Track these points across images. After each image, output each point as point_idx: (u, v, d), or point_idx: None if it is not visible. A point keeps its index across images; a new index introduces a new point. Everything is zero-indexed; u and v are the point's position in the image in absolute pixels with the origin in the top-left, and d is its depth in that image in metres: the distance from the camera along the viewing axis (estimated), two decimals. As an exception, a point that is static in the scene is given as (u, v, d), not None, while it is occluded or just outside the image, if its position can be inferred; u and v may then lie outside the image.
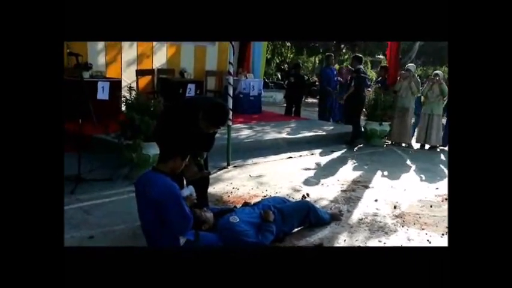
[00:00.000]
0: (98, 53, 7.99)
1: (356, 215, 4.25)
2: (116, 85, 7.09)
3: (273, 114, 10.36)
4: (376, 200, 4.73)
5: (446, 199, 4.79)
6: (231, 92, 5.93)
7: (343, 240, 3.65)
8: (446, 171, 6.26)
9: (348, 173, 5.94)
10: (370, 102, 8.00)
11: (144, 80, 8.67)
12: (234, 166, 5.87)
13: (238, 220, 3.27)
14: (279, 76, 20.47)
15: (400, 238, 3.76)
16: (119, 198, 4.36)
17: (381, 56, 22.88)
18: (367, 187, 5.25)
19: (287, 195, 4.64)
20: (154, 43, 8.77)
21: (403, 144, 8.24)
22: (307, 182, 5.34)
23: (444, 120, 8.36)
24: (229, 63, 6.10)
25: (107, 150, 5.37)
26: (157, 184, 2.90)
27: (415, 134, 8.46)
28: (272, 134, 7.65)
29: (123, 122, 4.90)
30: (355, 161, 6.68)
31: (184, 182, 3.52)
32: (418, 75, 8.74)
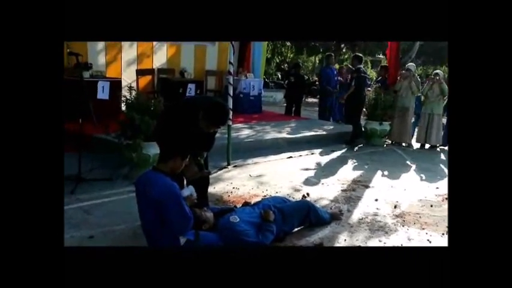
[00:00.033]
0: (98, 52, 7.99)
1: (356, 215, 4.25)
2: (116, 85, 7.09)
3: (273, 114, 10.36)
4: (376, 200, 4.73)
5: (446, 199, 4.79)
6: (231, 91, 5.93)
7: (343, 240, 3.65)
8: (446, 170, 6.25)
9: (348, 172, 5.94)
10: (370, 101, 8.00)
11: (144, 80, 8.67)
12: (234, 166, 5.87)
13: (238, 220, 3.27)
14: (279, 76, 20.50)
15: (401, 238, 3.76)
16: (119, 198, 4.36)
17: (381, 56, 22.88)
18: (367, 187, 5.25)
19: (287, 194, 4.64)
20: (154, 43, 8.77)
21: (403, 144, 8.24)
22: (307, 182, 5.34)
23: (444, 120, 8.36)
24: (230, 63, 6.10)
25: (107, 150, 5.37)
26: (157, 184, 2.90)
27: (415, 133, 8.46)
28: (272, 134, 7.65)
29: (123, 121, 4.90)
30: (355, 161, 6.68)
31: (185, 182, 3.52)
32: (418, 75, 8.74)
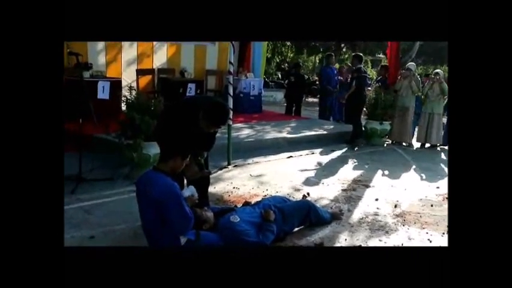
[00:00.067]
0: (98, 52, 7.99)
1: (357, 214, 4.25)
2: (116, 85, 7.09)
3: (274, 114, 10.36)
4: (376, 199, 4.73)
5: (447, 198, 4.78)
6: (231, 91, 5.92)
7: (343, 240, 3.65)
8: (446, 170, 6.25)
9: (348, 172, 5.94)
10: (370, 101, 8.00)
11: (145, 80, 8.67)
12: (235, 165, 5.87)
13: (238, 219, 3.27)
14: (279, 75, 20.49)
15: (401, 237, 3.76)
16: (119, 197, 4.36)
17: (381, 55, 22.88)
18: (367, 186, 5.25)
19: (287, 194, 4.64)
20: (154, 43, 8.77)
21: (404, 144, 8.24)
22: (307, 181, 5.34)
23: (445, 119, 8.35)
24: (230, 62, 6.10)
25: (108, 149, 5.38)
26: (158, 184, 2.90)
27: (416, 133, 8.46)
28: (272, 134, 7.65)
29: (123, 121, 4.91)
30: (355, 160, 6.68)
31: (185, 182, 3.52)
32: (418, 74, 8.74)
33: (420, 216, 4.29)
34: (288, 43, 22.01)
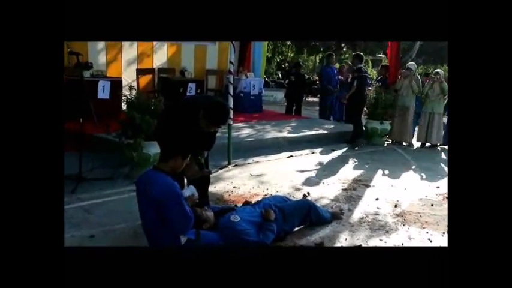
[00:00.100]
0: (98, 52, 8.00)
1: (357, 214, 4.25)
2: (116, 84, 7.10)
3: (274, 113, 10.36)
4: (377, 199, 4.73)
5: (447, 198, 4.78)
6: (231, 91, 5.93)
7: (344, 239, 3.65)
8: (447, 169, 6.25)
9: (348, 171, 5.94)
10: (370, 101, 7.99)
11: (145, 79, 8.67)
12: (235, 165, 5.87)
13: (239, 219, 3.27)
14: (280, 75, 20.48)
15: (401, 237, 3.76)
16: (119, 197, 4.36)
17: (382, 55, 22.86)
18: (368, 186, 5.24)
19: (288, 194, 4.64)
20: (154, 42, 8.77)
21: (404, 143, 8.24)
22: (307, 181, 5.34)
23: (445, 119, 8.35)
24: (230, 62, 6.10)
25: (108, 149, 5.38)
26: (158, 183, 2.90)
27: (416, 132, 8.45)
28: (273, 133, 7.65)
29: (123, 121, 4.91)
30: (355, 160, 6.68)
31: (185, 182, 3.52)
32: (418, 74, 8.73)
33: (420, 216, 4.28)
34: (288, 43, 22.02)
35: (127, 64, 8.50)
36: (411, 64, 8.50)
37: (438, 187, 5.36)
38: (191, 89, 8.14)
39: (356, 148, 7.55)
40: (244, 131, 7.61)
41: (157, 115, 4.32)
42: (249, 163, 6.06)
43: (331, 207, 4.36)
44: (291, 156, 6.66)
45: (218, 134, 3.79)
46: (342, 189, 5.04)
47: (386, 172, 6.02)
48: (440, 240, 3.71)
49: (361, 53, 8.64)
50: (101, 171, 4.96)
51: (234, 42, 6.05)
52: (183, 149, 3.08)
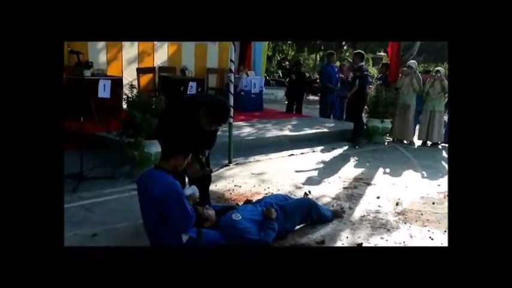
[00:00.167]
0: (98, 51, 8.00)
1: (358, 212, 4.25)
2: (117, 83, 7.10)
3: (275, 112, 10.35)
4: (378, 197, 4.73)
5: (448, 196, 4.78)
6: (232, 89, 5.93)
7: (345, 238, 3.64)
8: (447, 168, 6.24)
9: (349, 170, 5.94)
10: (371, 99, 7.98)
11: (145, 78, 8.67)
12: (236, 164, 5.87)
13: (240, 217, 3.27)
14: (280, 74, 20.44)
15: (402, 235, 3.76)
16: (120, 196, 4.37)
17: (382, 53, 22.82)
18: (369, 184, 5.24)
19: (289, 192, 4.64)
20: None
21: (405, 141, 8.23)
22: (308, 180, 5.34)
23: (446, 117, 8.33)
24: (231, 60, 6.09)
25: (109, 148, 5.38)
26: (159, 182, 2.90)
27: (417, 131, 8.45)
28: (273, 132, 7.65)
29: (124, 120, 4.91)
30: (356, 158, 6.67)
31: (186, 181, 3.52)
32: (419, 72, 8.72)
33: (421, 214, 4.28)
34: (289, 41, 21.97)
35: (127, 63, 8.50)
36: (412, 62, 8.49)
37: (439, 185, 5.35)
38: (192, 88, 8.13)
39: (357, 147, 7.54)
40: (245, 130, 7.61)
41: (158, 114, 4.32)
42: (250, 162, 6.06)
43: (332, 206, 4.36)
44: (292, 154, 6.66)
45: (219, 133, 3.79)
46: (343, 188, 5.04)
47: (388, 170, 6.02)
48: (442, 238, 3.71)
49: (362, 51, 8.61)
50: (102, 170, 4.96)
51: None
52: (184, 148, 3.08)
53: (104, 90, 6.35)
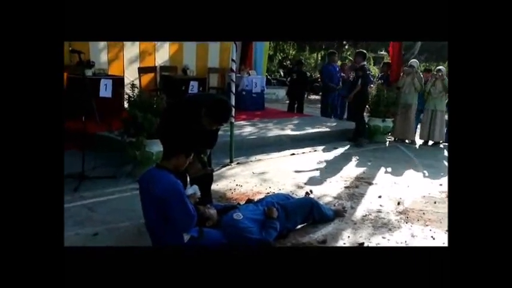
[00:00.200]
0: (100, 50, 7.99)
1: (360, 212, 4.25)
2: (118, 82, 7.10)
3: (276, 111, 10.34)
4: (379, 197, 4.72)
5: (449, 195, 4.78)
6: (233, 89, 5.93)
7: (346, 237, 3.64)
8: (449, 167, 6.23)
9: (351, 169, 5.94)
10: (373, 98, 7.97)
11: (147, 78, 8.67)
12: (237, 163, 5.87)
13: (241, 217, 3.27)
14: (282, 73, 20.43)
15: (404, 234, 3.76)
16: (122, 195, 4.37)
17: (384, 52, 22.80)
18: (370, 183, 5.24)
19: (290, 192, 4.64)
20: (155, 41, 8.78)
21: (407, 141, 8.22)
22: (310, 179, 5.33)
23: (447, 116, 8.32)
24: (232, 60, 6.09)
25: (110, 147, 5.39)
26: (161, 181, 2.91)
27: (418, 130, 8.43)
28: (275, 131, 7.64)
29: (126, 119, 4.91)
30: (358, 158, 6.67)
31: (188, 180, 3.52)
32: (421, 71, 8.70)
33: (423, 214, 4.28)
34: (290, 40, 21.96)
35: (129, 62, 8.50)
36: (413, 61, 8.47)
37: (441, 184, 5.35)
38: (193, 87, 8.14)
39: (358, 147, 7.52)
40: (246, 129, 7.60)
41: (160, 113, 4.32)
42: (251, 161, 6.06)
43: (334, 205, 4.36)
44: (293, 154, 6.65)
45: (220, 132, 3.79)
46: (345, 187, 5.04)
47: (389, 170, 6.01)
48: (443, 237, 3.70)
49: (364, 51, 8.60)
50: (104, 170, 4.97)
51: (235, 40, 6.04)
52: (186, 147, 3.08)
53: (105, 90, 6.37)
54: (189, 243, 2.96)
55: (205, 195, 3.62)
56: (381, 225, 3.94)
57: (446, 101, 7.95)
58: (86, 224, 3.61)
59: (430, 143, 8.12)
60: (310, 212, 3.76)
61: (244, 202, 3.94)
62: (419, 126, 8.42)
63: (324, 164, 6.19)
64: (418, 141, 8.26)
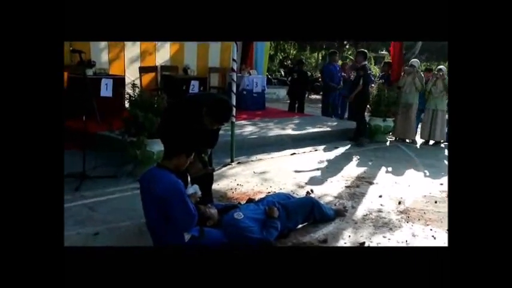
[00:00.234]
0: (101, 50, 8.00)
1: (360, 211, 4.25)
2: (119, 82, 7.10)
3: (277, 111, 10.34)
4: (380, 196, 4.72)
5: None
6: (234, 88, 5.93)
7: (347, 236, 3.64)
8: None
9: (352, 169, 5.94)
10: (374, 98, 7.97)
11: (148, 77, 8.67)
12: (238, 162, 5.87)
13: (242, 216, 3.27)
14: (282, 72, 20.43)
15: (405, 234, 3.75)
16: (123, 195, 4.37)
17: (385, 52, 22.78)
18: (371, 183, 5.24)
19: (291, 191, 4.64)
20: (156, 40, 8.77)
21: (407, 140, 8.22)
22: (311, 178, 5.33)
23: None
24: (233, 60, 6.09)
25: (111, 147, 5.39)
26: (161, 181, 2.91)
27: (419, 129, 8.43)
28: (276, 131, 7.64)
29: (126, 119, 4.91)
30: (359, 157, 6.66)
31: (189, 180, 3.52)
32: (421, 71, 8.69)
33: (424, 213, 4.28)
34: (291, 40, 21.94)
35: (129, 62, 8.50)
36: (414, 61, 8.46)
37: (442, 184, 5.34)
38: (194, 87, 8.13)
39: (359, 146, 7.52)
40: (247, 129, 7.60)
41: (160, 113, 4.32)
42: (252, 160, 6.06)
43: (335, 205, 4.36)
44: (294, 153, 6.65)
45: (221, 132, 3.79)
46: (346, 187, 5.04)
47: (390, 169, 6.01)
48: (444, 237, 3.70)
49: (365, 50, 8.59)
50: (105, 169, 4.97)
51: (236, 40, 6.04)
52: (187, 147, 3.08)
53: (106, 89, 6.36)
54: (190, 242, 2.96)
55: (206, 194, 3.62)
56: (382, 224, 3.93)
57: (447, 100, 7.94)
58: (87, 224, 3.62)
59: (431, 142, 8.12)
60: (311, 211, 3.76)
61: (245, 202, 3.94)
62: (420, 125, 8.41)
63: (325, 163, 6.19)
64: (419, 141, 8.26)
